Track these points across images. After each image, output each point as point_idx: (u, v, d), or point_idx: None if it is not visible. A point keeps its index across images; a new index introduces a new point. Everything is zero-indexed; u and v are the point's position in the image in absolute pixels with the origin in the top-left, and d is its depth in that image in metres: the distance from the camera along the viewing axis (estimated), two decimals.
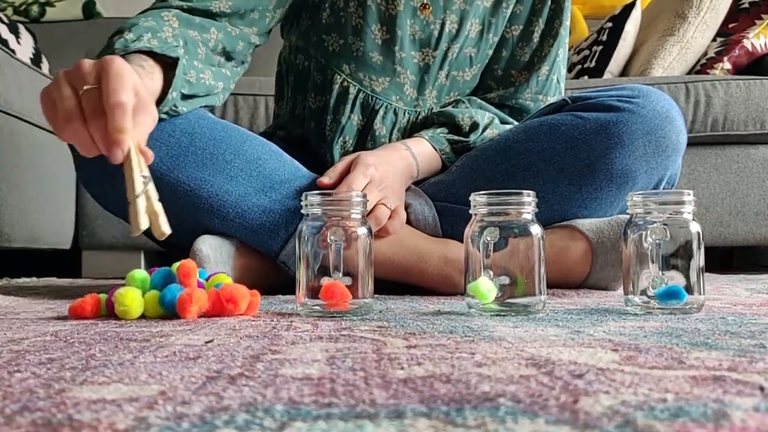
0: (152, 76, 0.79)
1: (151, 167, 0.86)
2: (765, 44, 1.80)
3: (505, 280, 0.63)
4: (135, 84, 0.67)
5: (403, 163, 0.97)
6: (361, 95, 1.05)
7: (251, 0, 0.96)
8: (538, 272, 0.63)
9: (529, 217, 0.64)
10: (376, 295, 0.71)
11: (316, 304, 0.63)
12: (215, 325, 0.58)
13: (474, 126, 1.04)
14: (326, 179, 0.91)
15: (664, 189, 0.96)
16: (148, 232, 0.64)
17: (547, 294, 0.71)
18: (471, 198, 0.65)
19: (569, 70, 1.98)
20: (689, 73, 1.81)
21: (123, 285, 0.66)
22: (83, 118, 0.64)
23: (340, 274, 0.63)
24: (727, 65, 1.78)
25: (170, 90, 0.82)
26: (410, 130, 1.07)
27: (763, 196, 1.65)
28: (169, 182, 0.86)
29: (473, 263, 0.64)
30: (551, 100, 1.10)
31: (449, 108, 1.07)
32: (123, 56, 0.79)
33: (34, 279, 1.53)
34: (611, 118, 0.91)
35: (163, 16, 0.88)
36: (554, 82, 1.12)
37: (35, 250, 1.63)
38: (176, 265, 0.67)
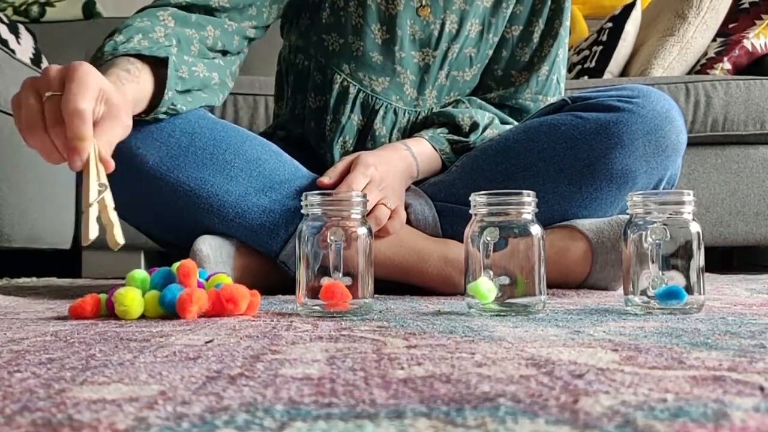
0: (138, 79, 0.79)
1: (151, 167, 0.86)
2: (765, 44, 1.80)
3: (505, 280, 0.63)
4: (105, 90, 0.66)
5: (403, 163, 0.97)
6: (361, 95, 1.05)
7: None
8: (538, 272, 0.63)
9: (529, 217, 0.64)
10: (376, 295, 0.71)
11: (316, 304, 0.63)
12: (215, 325, 0.58)
13: (474, 126, 1.04)
14: (326, 179, 0.91)
15: (664, 189, 0.96)
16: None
17: (547, 294, 0.71)
18: (471, 198, 0.65)
19: (569, 70, 1.98)
20: (689, 73, 1.81)
21: (123, 285, 0.66)
22: (45, 125, 0.64)
23: (340, 274, 0.63)
24: (727, 65, 1.78)
25: (165, 90, 0.82)
26: (410, 130, 1.07)
27: (763, 196, 1.65)
28: (169, 182, 0.86)
29: (473, 263, 0.64)
30: (551, 100, 1.10)
31: (449, 108, 1.07)
32: (111, 59, 0.79)
33: (34, 279, 1.53)
34: (611, 118, 0.91)
35: (158, 16, 0.89)
36: (554, 82, 1.12)
37: (35, 250, 1.63)
38: (176, 265, 0.67)
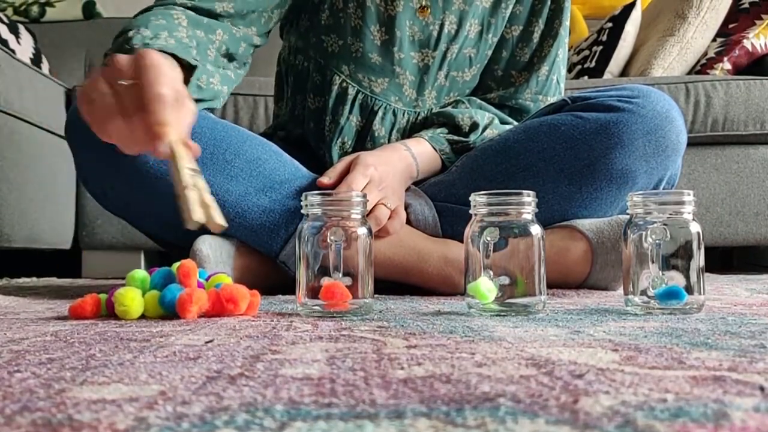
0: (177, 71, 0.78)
1: (151, 167, 0.86)
2: (765, 44, 1.80)
3: (505, 280, 0.63)
4: (174, 77, 0.65)
5: (403, 164, 0.97)
6: (360, 96, 1.05)
7: (252, 1, 0.96)
8: (538, 272, 0.63)
9: (529, 217, 0.64)
10: (376, 295, 0.71)
11: (316, 304, 0.63)
12: (215, 325, 0.58)
13: (474, 126, 1.04)
14: (326, 179, 0.91)
15: (664, 189, 0.96)
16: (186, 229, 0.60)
17: (547, 294, 0.71)
18: (471, 198, 0.65)
19: (569, 71, 1.98)
20: (689, 73, 1.82)
21: (123, 285, 0.66)
22: (123, 114, 0.63)
23: (340, 275, 0.63)
24: (727, 65, 1.78)
25: None
26: (410, 131, 1.07)
27: (763, 196, 1.65)
28: (169, 182, 0.86)
29: (473, 263, 0.64)
30: (551, 100, 1.10)
31: (449, 108, 1.07)
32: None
33: (34, 279, 1.53)
34: (611, 118, 0.91)
35: (172, 15, 0.88)
36: (554, 82, 1.12)
37: (35, 250, 1.63)
38: (176, 265, 0.67)
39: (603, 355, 0.40)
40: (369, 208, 0.87)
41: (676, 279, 0.63)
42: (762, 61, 1.80)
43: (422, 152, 1.01)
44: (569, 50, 1.99)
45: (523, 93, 1.11)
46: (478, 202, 0.64)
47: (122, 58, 0.64)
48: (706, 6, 1.76)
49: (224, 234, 0.90)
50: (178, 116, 0.63)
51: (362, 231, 0.64)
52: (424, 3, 1.04)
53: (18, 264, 1.75)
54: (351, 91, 1.04)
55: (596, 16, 2.32)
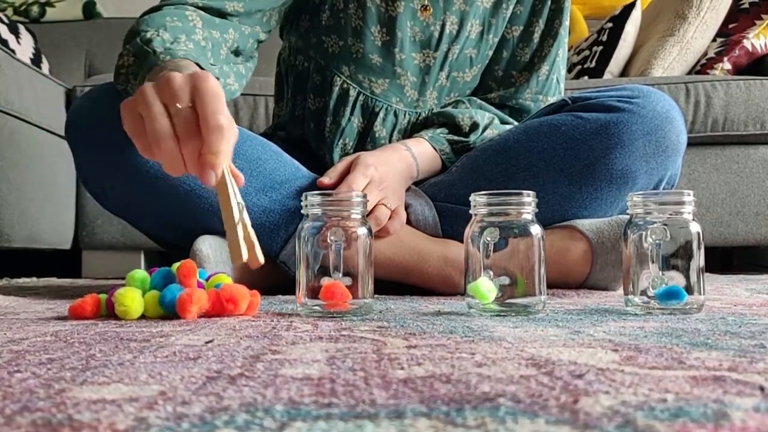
0: None
1: (151, 167, 0.86)
2: (765, 44, 1.80)
3: (505, 280, 0.63)
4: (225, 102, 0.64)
5: (403, 164, 0.97)
6: (361, 97, 1.04)
7: (259, 1, 0.96)
8: (538, 272, 0.63)
9: (529, 217, 0.64)
10: (376, 296, 0.71)
11: (316, 305, 0.63)
12: (215, 325, 0.58)
13: (474, 126, 1.04)
14: (326, 179, 0.91)
15: (664, 189, 0.96)
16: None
17: (547, 294, 0.71)
18: (471, 198, 0.65)
19: (569, 71, 1.98)
20: (689, 73, 1.81)
21: (123, 285, 0.66)
22: (177, 138, 0.61)
23: (340, 275, 0.63)
24: (727, 65, 1.78)
25: None
26: (410, 131, 1.07)
27: (763, 196, 1.65)
28: (169, 182, 0.86)
29: (473, 263, 0.64)
30: (551, 100, 1.10)
31: (449, 108, 1.07)
32: (168, 59, 0.75)
33: (34, 279, 1.53)
34: (611, 118, 0.91)
35: (187, 16, 0.87)
36: (554, 82, 1.12)
37: (35, 250, 1.63)
38: (176, 265, 0.67)
39: (603, 355, 0.40)
40: (369, 208, 0.87)
41: (676, 279, 0.63)
42: (762, 61, 1.80)
43: (422, 152, 1.01)
44: (569, 50, 1.99)
45: (523, 93, 1.11)
46: (478, 202, 0.64)
47: (177, 79, 0.62)
48: (706, 6, 1.76)
49: (224, 234, 0.90)
50: (228, 145, 0.61)
51: (362, 231, 0.64)
52: (425, 3, 1.04)
53: (18, 264, 1.75)
54: (352, 93, 1.04)
55: (596, 16, 2.32)
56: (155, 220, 0.93)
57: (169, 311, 0.63)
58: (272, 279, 0.92)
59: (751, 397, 0.29)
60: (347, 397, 0.29)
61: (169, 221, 0.91)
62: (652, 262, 0.63)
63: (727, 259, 2.09)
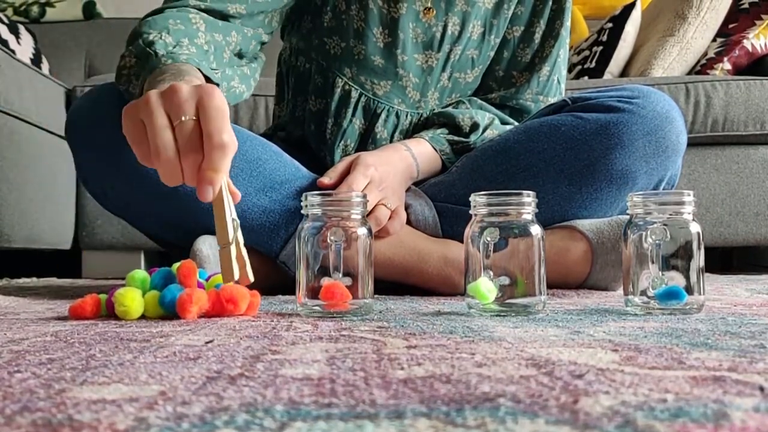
0: None
1: (151, 168, 0.86)
2: (765, 44, 1.80)
3: (505, 280, 0.63)
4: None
5: (403, 164, 0.97)
6: (363, 99, 1.04)
7: (261, 3, 0.96)
8: (538, 272, 0.63)
9: (529, 217, 0.64)
10: (376, 296, 0.71)
11: (316, 305, 0.63)
12: (215, 325, 0.58)
13: (474, 126, 1.04)
14: (326, 179, 0.91)
15: (664, 189, 0.97)
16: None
17: (547, 294, 0.71)
18: (471, 198, 0.65)
19: (569, 71, 1.98)
20: (689, 73, 1.82)
21: (123, 285, 0.66)
22: (178, 151, 0.61)
23: (340, 275, 0.63)
24: (727, 65, 1.78)
25: None
26: (412, 132, 1.07)
27: (763, 197, 1.65)
28: None
29: (473, 264, 0.64)
30: (552, 100, 1.10)
31: (449, 108, 1.07)
32: (170, 63, 0.75)
33: (34, 279, 1.53)
34: (611, 118, 0.91)
35: (190, 19, 0.87)
36: (555, 82, 1.12)
37: (35, 250, 1.63)
38: (176, 265, 0.67)
39: (603, 355, 0.40)
40: (369, 208, 0.87)
41: (676, 279, 0.63)
42: (762, 61, 1.80)
43: (423, 152, 1.01)
44: (569, 51, 1.98)
45: (524, 93, 1.11)
46: (478, 202, 0.64)
47: (183, 90, 0.62)
48: (706, 6, 1.76)
49: None
50: (229, 162, 0.61)
51: (362, 231, 0.64)
52: (428, 5, 1.04)
53: (18, 264, 1.75)
54: (354, 95, 1.04)
55: (596, 17, 2.32)
56: (155, 220, 0.93)
57: (169, 311, 0.63)
58: (272, 279, 0.92)
59: (751, 397, 0.29)
60: (347, 397, 0.29)
61: (169, 221, 0.91)
62: (652, 262, 0.63)
63: (727, 259, 2.09)
